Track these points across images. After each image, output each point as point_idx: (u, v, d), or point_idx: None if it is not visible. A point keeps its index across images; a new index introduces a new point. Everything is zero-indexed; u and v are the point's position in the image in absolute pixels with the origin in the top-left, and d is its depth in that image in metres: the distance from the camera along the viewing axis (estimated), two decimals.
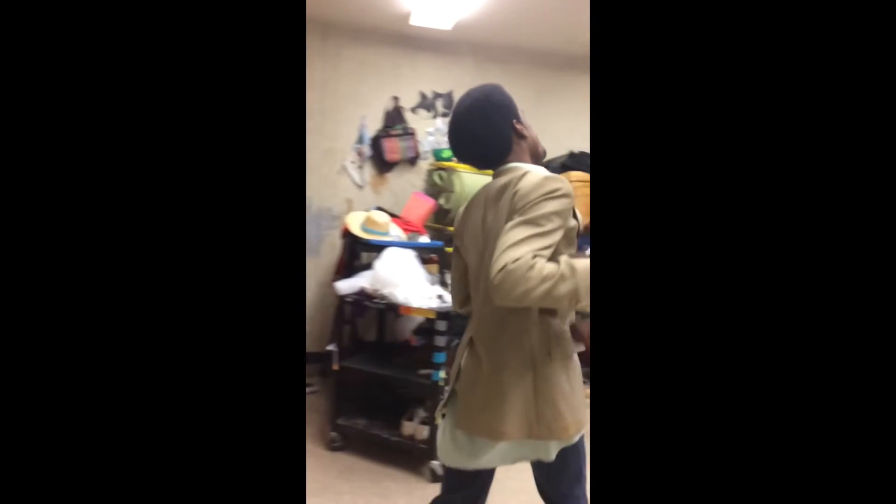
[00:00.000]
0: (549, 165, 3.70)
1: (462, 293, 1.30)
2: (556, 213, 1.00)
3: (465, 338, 1.20)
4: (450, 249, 3.23)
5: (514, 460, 1.15)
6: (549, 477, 1.18)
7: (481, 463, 1.14)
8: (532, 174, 1.07)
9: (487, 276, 0.98)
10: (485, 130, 1.12)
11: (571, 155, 3.53)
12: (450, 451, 1.17)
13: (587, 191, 3.30)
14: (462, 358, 1.18)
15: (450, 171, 3.36)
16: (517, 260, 0.93)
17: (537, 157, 1.20)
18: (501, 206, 1.07)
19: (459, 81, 3.73)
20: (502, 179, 1.12)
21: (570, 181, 3.25)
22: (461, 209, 1.26)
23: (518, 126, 1.15)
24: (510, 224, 0.99)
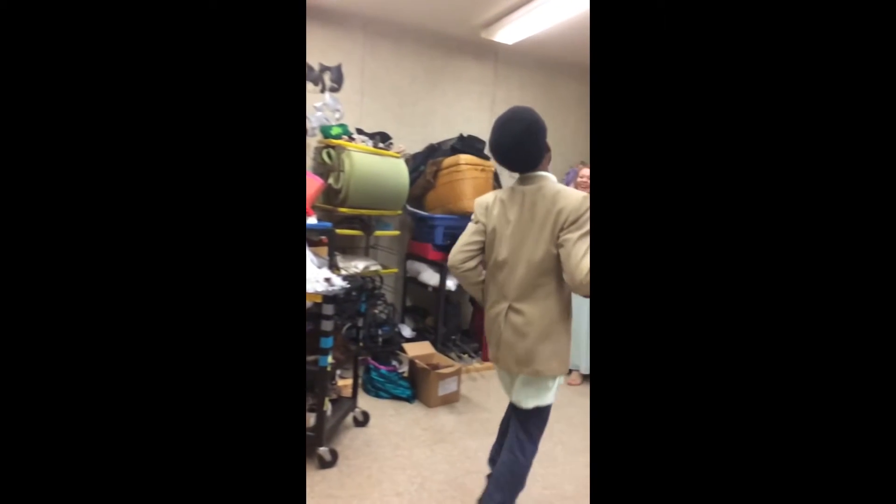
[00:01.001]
0: (440, 148, 3.73)
1: (470, 259, 1.69)
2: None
3: (503, 307, 1.62)
4: (341, 231, 3.15)
5: (527, 395, 1.63)
6: (522, 416, 1.67)
7: (513, 394, 1.69)
8: (564, 188, 1.54)
9: (534, 263, 1.54)
10: (531, 147, 1.54)
11: (461, 138, 3.58)
12: (503, 387, 1.76)
13: (476, 173, 3.38)
14: (502, 324, 1.62)
15: (339, 149, 3.24)
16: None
17: (548, 164, 1.66)
18: (538, 211, 1.53)
19: (349, 55, 3.59)
20: (532, 185, 1.58)
21: (460, 163, 3.37)
22: (491, 200, 1.66)
23: (547, 144, 1.58)
24: (576, 235, 1.45)
